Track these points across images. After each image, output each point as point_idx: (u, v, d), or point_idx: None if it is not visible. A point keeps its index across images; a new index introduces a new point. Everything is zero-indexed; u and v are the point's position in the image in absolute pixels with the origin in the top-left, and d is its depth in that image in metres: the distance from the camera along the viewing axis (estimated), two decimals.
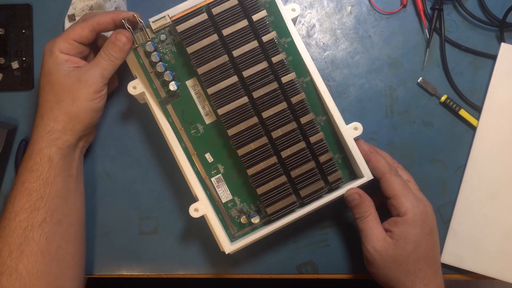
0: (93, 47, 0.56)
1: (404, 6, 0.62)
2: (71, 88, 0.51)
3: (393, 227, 0.51)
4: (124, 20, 0.52)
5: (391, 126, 0.60)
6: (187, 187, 0.55)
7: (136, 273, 0.59)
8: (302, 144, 0.52)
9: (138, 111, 0.60)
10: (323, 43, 0.62)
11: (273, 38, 0.52)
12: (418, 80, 0.61)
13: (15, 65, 0.60)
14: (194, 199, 0.55)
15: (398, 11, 0.62)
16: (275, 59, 0.52)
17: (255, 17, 0.51)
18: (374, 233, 0.51)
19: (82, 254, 0.55)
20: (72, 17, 0.59)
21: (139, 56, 0.53)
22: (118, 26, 0.53)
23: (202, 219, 0.53)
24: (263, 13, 0.52)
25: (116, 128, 0.61)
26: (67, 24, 0.59)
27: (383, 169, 0.52)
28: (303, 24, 0.62)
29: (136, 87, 0.54)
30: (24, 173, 0.51)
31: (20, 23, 0.61)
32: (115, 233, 0.59)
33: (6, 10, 0.61)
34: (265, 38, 0.52)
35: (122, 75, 0.60)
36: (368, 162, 0.53)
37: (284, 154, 0.52)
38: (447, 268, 0.59)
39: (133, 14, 0.52)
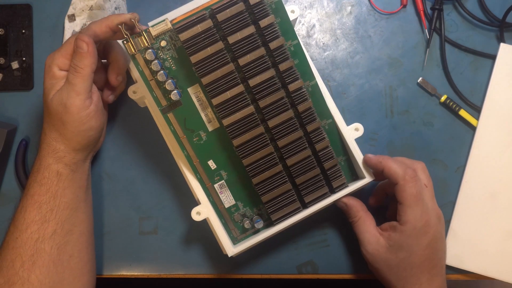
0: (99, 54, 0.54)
1: (404, 6, 0.62)
2: (57, 113, 0.50)
3: (391, 231, 0.51)
4: (121, 26, 0.48)
5: (391, 126, 0.60)
6: (187, 187, 0.55)
7: (136, 273, 0.59)
8: (307, 152, 0.52)
9: (138, 111, 0.60)
10: (323, 43, 0.62)
11: (282, 45, 0.49)
12: (418, 80, 0.61)
13: (15, 65, 0.60)
14: (195, 199, 0.55)
15: (398, 11, 0.62)
16: (282, 66, 0.50)
17: (263, 23, 0.49)
18: (365, 236, 0.52)
19: (93, 260, 0.55)
20: (72, 17, 0.59)
21: (138, 64, 0.49)
22: (116, 32, 0.50)
23: (203, 220, 0.53)
24: (271, 19, 0.49)
25: (116, 128, 0.60)
26: (67, 24, 0.59)
27: (396, 176, 0.50)
28: (303, 24, 0.62)
29: (136, 91, 0.54)
30: (33, 185, 0.51)
31: (20, 23, 0.61)
32: (115, 233, 0.59)
33: (6, 10, 0.61)
34: (272, 45, 0.49)
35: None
36: (382, 173, 0.52)
37: (290, 162, 0.52)
38: (447, 268, 0.58)
39: (130, 18, 0.49)
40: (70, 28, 0.59)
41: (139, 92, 0.54)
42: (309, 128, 0.52)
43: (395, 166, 0.51)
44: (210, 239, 0.57)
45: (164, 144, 0.55)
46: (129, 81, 0.58)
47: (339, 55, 0.61)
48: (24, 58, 0.61)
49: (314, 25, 0.62)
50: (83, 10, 0.59)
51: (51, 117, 0.50)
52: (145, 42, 0.49)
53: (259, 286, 0.71)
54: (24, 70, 0.61)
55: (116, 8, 0.59)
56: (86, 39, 0.48)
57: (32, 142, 0.60)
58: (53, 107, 0.50)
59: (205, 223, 0.54)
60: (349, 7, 0.62)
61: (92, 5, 0.58)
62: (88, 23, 0.58)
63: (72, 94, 0.49)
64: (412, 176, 0.50)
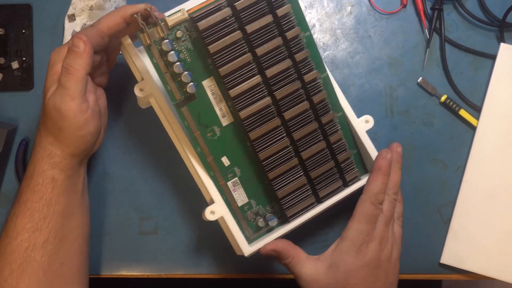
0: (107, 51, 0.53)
1: (404, 6, 0.62)
2: (52, 118, 0.47)
3: (332, 249, 0.50)
4: (137, 15, 0.45)
5: (391, 126, 0.60)
6: (187, 187, 0.55)
7: (136, 273, 0.59)
8: (322, 144, 0.51)
9: (138, 111, 0.60)
10: (323, 43, 0.62)
11: (298, 35, 0.49)
12: (418, 80, 0.61)
13: (15, 65, 0.60)
14: (195, 198, 0.55)
15: (398, 11, 0.62)
16: (298, 57, 0.49)
17: (280, 12, 0.48)
18: (302, 269, 0.49)
19: (86, 266, 0.54)
20: (72, 17, 0.59)
21: (152, 56, 0.47)
22: (130, 23, 0.48)
23: (204, 220, 0.53)
24: (288, 8, 0.48)
25: (117, 128, 0.60)
26: (67, 24, 0.59)
27: (368, 190, 0.49)
28: None
29: (143, 89, 0.51)
30: (26, 192, 0.48)
31: (20, 23, 0.61)
32: (115, 233, 0.59)
33: (6, 10, 0.61)
34: (289, 35, 0.48)
35: (125, 76, 0.60)
36: (372, 173, 0.50)
37: (305, 155, 0.51)
38: (447, 268, 0.59)
39: (144, 8, 0.46)
40: (70, 28, 0.59)
41: (146, 90, 0.51)
42: (324, 120, 0.51)
43: (376, 186, 0.49)
44: (210, 239, 0.57)
45: (164, 143, 0.55)
46: (133, 80, 0.58)
47: (339, 55, 0.61)
48: (24, 58, 0.61)
49: (314, 25, 0.62)
50: (83, 10, 0.59)
51: (47, 120, 0.48)
52: (160, 32, 0.46)
53: (260, 285, 0.71)
54: (24, 70, 0.61)
55: (116, 8, 0.59)
56: (84, 38, 0.45)
57: (32, 142, 0.60)
58: (48, 110, 0.47)
59: (205, 223, 0.54)
60: (349, 7, 0.62)
61: (92, 5, 0.58)
62: (88, 23, 0.58)
63: (66, 99, 0.45)
64: (378, 203, 0.49)
